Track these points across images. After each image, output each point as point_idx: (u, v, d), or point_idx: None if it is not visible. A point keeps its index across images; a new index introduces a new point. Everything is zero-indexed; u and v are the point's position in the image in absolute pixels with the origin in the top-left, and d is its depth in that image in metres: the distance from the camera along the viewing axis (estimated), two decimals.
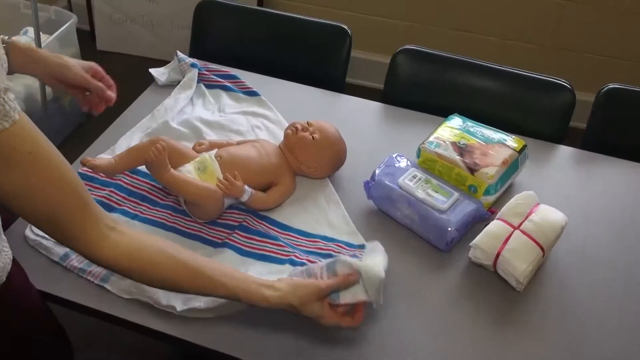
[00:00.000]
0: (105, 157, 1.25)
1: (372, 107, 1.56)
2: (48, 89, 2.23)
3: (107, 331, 1.77)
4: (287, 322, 1.02)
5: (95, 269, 1.06)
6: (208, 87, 1.51)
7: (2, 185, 0.74)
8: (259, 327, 1.01)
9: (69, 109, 2.45)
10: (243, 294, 0.90)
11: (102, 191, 1.21)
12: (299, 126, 1.27)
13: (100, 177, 1.24)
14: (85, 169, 1.24)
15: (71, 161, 1.29)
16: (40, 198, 0.77)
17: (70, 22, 2.32)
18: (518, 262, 1.07)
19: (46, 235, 1.11)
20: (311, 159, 1.25)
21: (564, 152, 1.46)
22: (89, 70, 1.09)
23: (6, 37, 0.99)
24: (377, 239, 1.18)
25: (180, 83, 1.49)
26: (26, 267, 1.07)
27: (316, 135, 1.26)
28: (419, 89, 1.64)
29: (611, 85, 1.55)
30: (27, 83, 2.20)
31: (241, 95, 1.50)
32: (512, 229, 1.12)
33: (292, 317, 1.02)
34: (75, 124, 2.52)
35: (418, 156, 1.29)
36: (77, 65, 1.07)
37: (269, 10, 1.80)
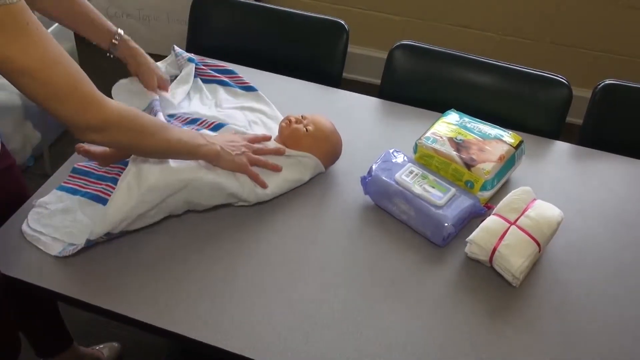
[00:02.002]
0: (99, 146, 1.24)
1: (369, 102, 1.56)
2: None
3: (104, 325, 1.77)
4: (283, 317, 1.02)
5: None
6: (205, 81, 1.51)
7: (20, 59, 0.81)
8: (257, 323, 1.01)
9: None
10: (187, 138, 1.09)
11: (98, 185, 1.21)
12: (292, 119, 1.27)
13: (95, 172, 1.23)
14: (82, 164, 1.23)
15: (68, 156, 1.30)
16: (60, 68, 0.86)
17: None
18: (514, 258, 1.07)
19: (44, 231, 1.11)
20: (305, 151, 1.25)
21: (561, 147, 1.46)
22: (160, 79, 1.39)
23: (122, 32, 1.29)
24: (373, 235, 1.18)
25: (178, 78, 1.49)
26: (21, 262, 1.08)
27: (310, 128, 1.25)
28: (415, 84, 1.64)
29: (608, 81, 1.55)
30: None
31: (238, 90, 1.50)
32: (509, 225, 1.12)
33: (289, 313, 1.02)
34: None
35: (415, 152, 1.29)
36: (156, 72, 1.38)
37: (266, 4, 1.80)
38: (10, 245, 1.10)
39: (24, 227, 1.12)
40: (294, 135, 1.25)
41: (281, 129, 1.27)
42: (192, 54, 1.54)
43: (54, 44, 0.86)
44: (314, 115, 1.29)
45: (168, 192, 1.09)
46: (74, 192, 1.20)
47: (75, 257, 1.09)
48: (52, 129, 2.38)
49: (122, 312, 1.01)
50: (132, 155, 1.12)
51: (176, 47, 1.54)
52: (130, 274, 1.07)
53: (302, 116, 1.28)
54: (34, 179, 2.21)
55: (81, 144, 1.18)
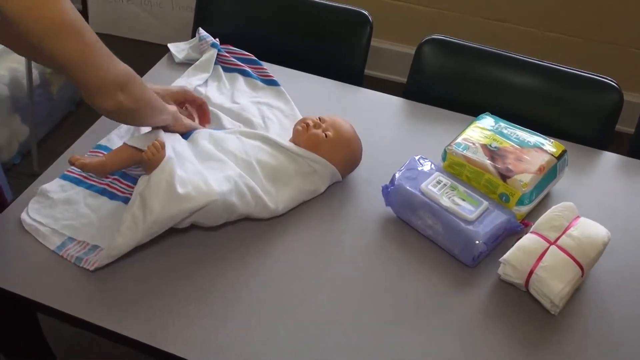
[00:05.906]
0: (95, 157, 1.25)
1: (393, 103, 1.56)
2: (35, 73, 2.24)
3: (92, 342, 1.78)
4: (291, 339, 1.02)
5: (92, 257, 1.09)
6: (225, 70, 1.55)
7: (60, 16, 0.92)
8: (261, 344, 1.01)
9: (57, 96, 2.46)
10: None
11: (105, 179, 1.24)
12: (310, 122, 1.27)
13: None
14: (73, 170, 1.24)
15: (58, 154, 1.31)
16: (86, 28, 0.96)
17: None
18: (554, 282, 1.06)
19: (43, 221, 1.15)
20: (323, 158, 1.25)
21: (609, 158, 1.45)
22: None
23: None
24: (394, 251, 1.18)
25: (196, 63, 1.53)
26: (2, 269, 1.08)
27: (329, 133, 1.26)
28: (446, 83, 1.64)
29: None
30: (12, 66, 2.22)
31: (259, 82, 1.53)
32: (548, 245, 1.11)
33: (297, 335, 1.02)
34: (63, 112, 2.54)
35: (444, 159, 1.28)
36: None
37: None
38: (9, 243, 1.12)
39: (23, 215, 1.16)
40: (311, 140, 1.25)
41: (297, 132, 1.27)
42: (217, 40, 1.57)
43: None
44: (332, 117, 1.29)
45: (175, 222, 1.11)
46: (77, 182, 1.24)
47: (62, 266, 1.10)
48: (42, 124, 2.41)
49: (111, 329, 1.02)
50: (136, 185, 1.12)
51: (201, 30, 1.60)
52: (122, 288, 1.08)
53: (319, 118, 1.28)
54: (21, 179, 2.23)
55: (75, 156, 1.18)
